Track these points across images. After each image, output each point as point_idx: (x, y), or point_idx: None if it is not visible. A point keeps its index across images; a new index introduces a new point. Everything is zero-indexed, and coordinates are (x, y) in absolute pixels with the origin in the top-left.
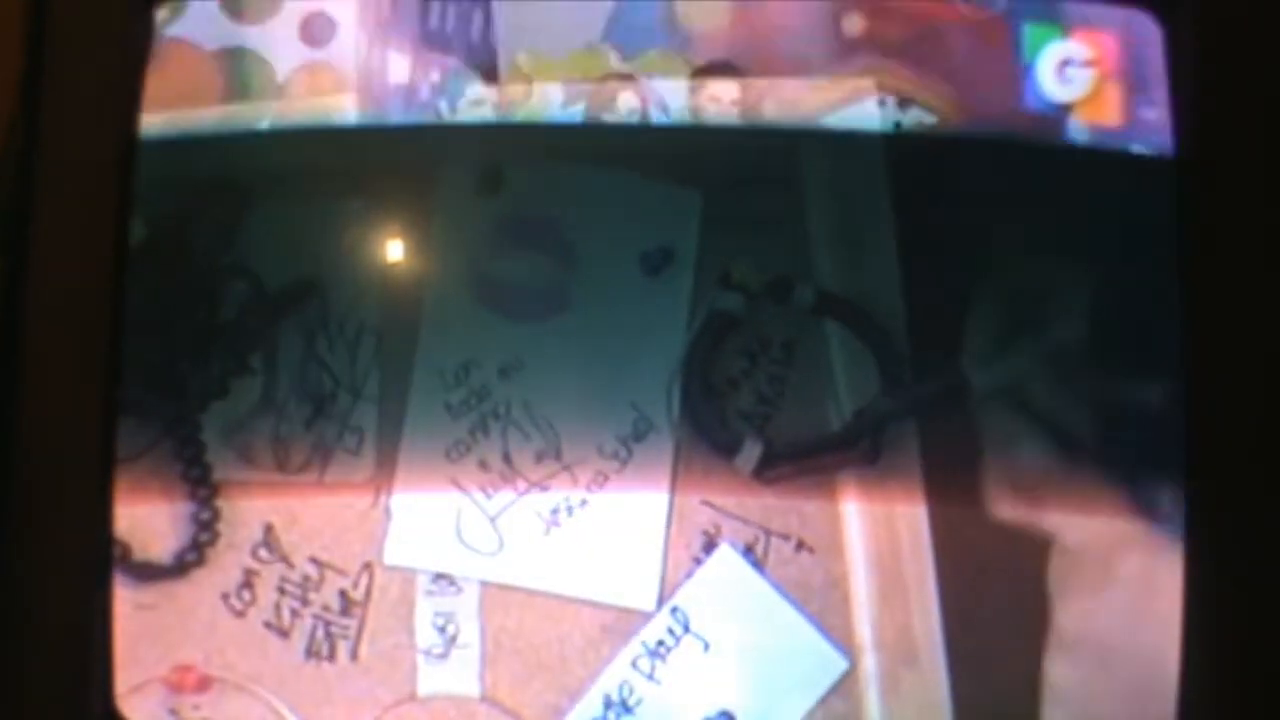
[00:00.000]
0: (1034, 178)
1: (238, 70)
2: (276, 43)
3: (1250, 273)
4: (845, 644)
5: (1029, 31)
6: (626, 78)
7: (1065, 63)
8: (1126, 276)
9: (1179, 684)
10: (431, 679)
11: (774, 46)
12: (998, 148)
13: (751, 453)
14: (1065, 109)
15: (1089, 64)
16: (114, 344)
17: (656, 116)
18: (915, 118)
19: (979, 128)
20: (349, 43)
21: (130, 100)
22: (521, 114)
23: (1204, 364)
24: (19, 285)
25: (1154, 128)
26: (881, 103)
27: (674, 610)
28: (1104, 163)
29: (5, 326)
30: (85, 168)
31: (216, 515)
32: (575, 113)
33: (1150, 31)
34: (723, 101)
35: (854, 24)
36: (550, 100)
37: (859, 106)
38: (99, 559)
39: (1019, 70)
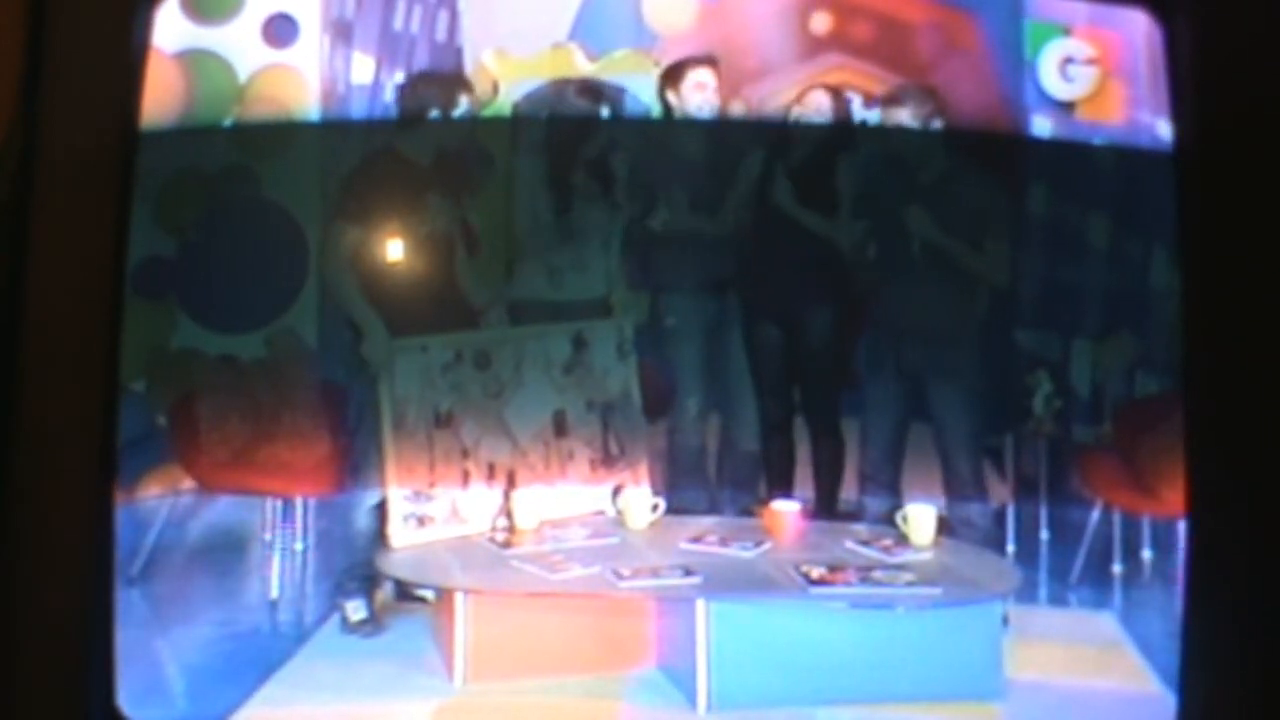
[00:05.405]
0: (996, 174)
1: (199, 73)
2: (238, 44)
3: (1247, 263)
4: None
5: (1029, 29)
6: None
7: (1068, 60)
8: (1121, 269)
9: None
10: None
11: (741, 45)
12: (960, 142)
13: None
14: (1068, 106)
15: (1091, 62)
16: (114, 343)
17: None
18: (882, 115)
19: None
20: (311, 44)
21: (130, 99)
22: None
23: (1202, 353)
24: (19, 284)
25: (1154, 124)
26: (848, 100)
27: None
28: (1093, 157)
29: (5, 325)
30: (85, 166)
31: None
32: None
33: (1151, 30)
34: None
35: (822, 23)
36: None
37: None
38: (99, 559)
39: (990, 67)
